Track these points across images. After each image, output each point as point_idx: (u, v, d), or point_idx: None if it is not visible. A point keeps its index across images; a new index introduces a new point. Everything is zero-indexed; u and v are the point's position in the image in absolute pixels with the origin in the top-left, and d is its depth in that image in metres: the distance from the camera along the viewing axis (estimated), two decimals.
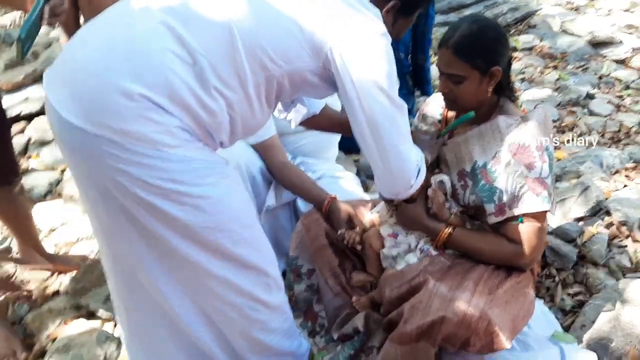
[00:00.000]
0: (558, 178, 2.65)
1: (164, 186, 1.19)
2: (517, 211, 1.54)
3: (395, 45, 2.65)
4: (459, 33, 1.54)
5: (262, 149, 1.99)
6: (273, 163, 1.99)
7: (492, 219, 1.57)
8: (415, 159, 1.43)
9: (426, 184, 1.70)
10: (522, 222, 1.55)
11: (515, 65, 3.62)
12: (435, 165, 1.74)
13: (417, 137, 1.63)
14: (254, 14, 1.23)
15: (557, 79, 3.64)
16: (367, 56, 1.27)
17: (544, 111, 1.61)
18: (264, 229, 2.03)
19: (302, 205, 2.08)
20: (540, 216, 1.55)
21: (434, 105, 1.84)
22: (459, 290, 1.47)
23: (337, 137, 2.31)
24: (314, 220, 1.91)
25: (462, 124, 1.68)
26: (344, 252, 1.86)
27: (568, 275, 2.11)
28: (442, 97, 1.70)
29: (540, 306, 1.89)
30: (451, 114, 1.78)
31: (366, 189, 2.52)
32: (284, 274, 1.84)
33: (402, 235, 1.74)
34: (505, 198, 1.54)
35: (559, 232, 2.26)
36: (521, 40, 4.12)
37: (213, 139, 1.28)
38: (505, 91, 1.66)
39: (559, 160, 2.80)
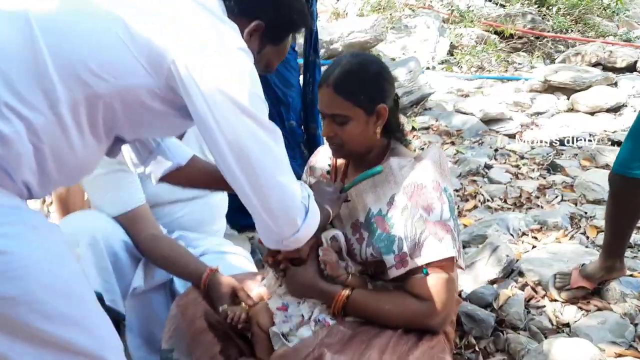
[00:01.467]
0: (466, 244, 2.52)
1: None
2: (419, 261, 1.32)
3: (287, 114, 2.54)
4: (339, 69, 1.39)
5: (127, 222, 1.67)
6: (141, 237, 1.67)
7: (394, 272, 1.35)
8: (299, 194, 1.18)
9: (317, 243, 1.47)
10: (427, 274, 1.33)
11: (415, 143, 3.63)
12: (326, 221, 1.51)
13: (318, 190, 1.41)
14: (66, 9, 0.98)
15: (455, 153, 3.67)
16: (222, 70, 1.05)
17: (439, 150, 1.47)
18: (129, 317, 1.69)
19: (181, 287, 1.75)
20: (446, 265, 1.34)
21: (322, 157, 1.66)
22: None
23: (223, 208, 2.04)
24: (191, 301, 1.59)
25: (352, 171, 1.50)
26: (227, 336, 1.53)
27: (488, 343, 1.90)
28: (328, 148, 1.53)
29: None
30: (340, 162, 1.60)
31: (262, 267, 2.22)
32: None
33: (293, 306, 1.45)
34: (405, 247, 1.33)
35: (474, 297, 2.07)
36: (418, 120, 4.20)
37: (12, 179, 0.96)
38: (395, 133, 1.51)
39: (465, 226, 2.69)
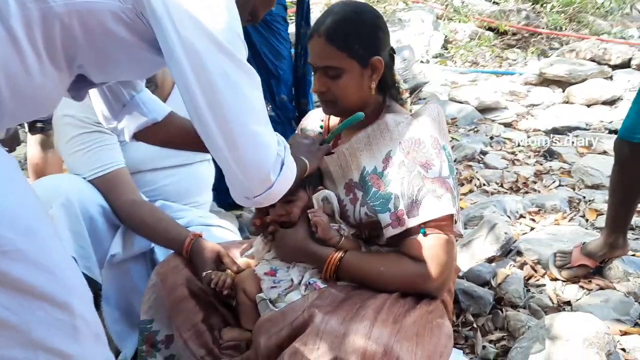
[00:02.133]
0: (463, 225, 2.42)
1: None
2: (417, 220, 1.23)
3: (277, 87, 2.45)
4: (331, 18, 1.30)
5: (105, 186, 1.56)
6: (120, 202, 1.56)
7: (390, 232, 1.25)
8: (275, 146, 1.07)
9: (308, 205, 1.37)
10: (424, 234, 1.24)
11: None
12: (317, 182, 1.42)
13: (295, 143, 1.31)
14: None
15: (451, 140, 3.59)
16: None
17: (437, 108, 1.38)
18: (106, 287, 1.59)
19: (162, 256, 1.64)
20: (445, 226, 1.25)
21: (314, 118, 1.57)
22: (355, 321, 1.10)
23: (210, 180, 1.93)
24: (172, 268, 1.48)
25: (346, 130, 1.40)
26: (210, 305, 1.44)
27: (486, 320, 1.80)
28: (319, 111, 1.44)
29: (460, 358, 1.55)
30: (333, 122, 1.50)
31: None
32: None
33: (282, 271, 1.36)
34: (402, 204, 1.24)
35: (471, 275, 1.99)
36: (413, 109, 4.11)
37: None
38: (390, 90, 1.42)
39: (462, 209, 2.60)
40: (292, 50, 2.44)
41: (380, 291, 1.24)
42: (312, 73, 2.41)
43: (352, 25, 1.29)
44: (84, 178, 1.56)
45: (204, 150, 1.09)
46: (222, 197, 2.40)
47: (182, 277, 1.45)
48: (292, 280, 1.33)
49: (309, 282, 1.29)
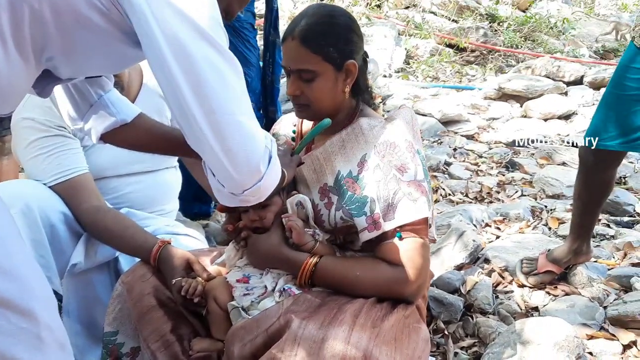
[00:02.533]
0: None
1: None
2: (393, 223, 1.22)
3: None
4: (305, 20, 1.28)
5: (66, 192, 1.49)
6: (83, 209, 1.49)
7: (366, 235, 1.24)
8: (262, 137, 1.03)
9: (282, 210, 1.35)
10: (400, 238, 1.23)
11: None
12: (291, 187, 1.39)
13: None
14: None
15: None
16: None
17: (410, 112, 1.38)
18: (67, 299, 1.51)
19: (128, 266, 1.57)
20: (420, 229, 1.24)
21: (286, 123, 1.54)
22: (334, 325, 1.08)
23: (176, 188, 1.87)
24: (138, 277, 1.42)
25: (319, 135, 1.38)
26: (179, 314, 1.38)
27: (457, 327, 1.81)
28: (292, 116, 1.42)
29: None
30: (306, 127, 1.49)
31: None
32: None
33: (255, 277, 1.32)
34: (378, 208, 1.23)
35: (440, 283, 2.00)
36: (385, 115, 4.15)
37: None
38: (363, 95, 1.41)
39: None
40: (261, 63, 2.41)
41: (356, 296, 1.22)
42: (280, 81, 2.43)
43: (327, 28, 1.28)
44: (45, 184, 1.49)
45: (175, 153, 1.06)
46: (188, 206, 2.35)
47: (149, 286, 1.40)
48: (265, 287, 1.29)
49: (284, 289, 1.26)
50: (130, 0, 0.89)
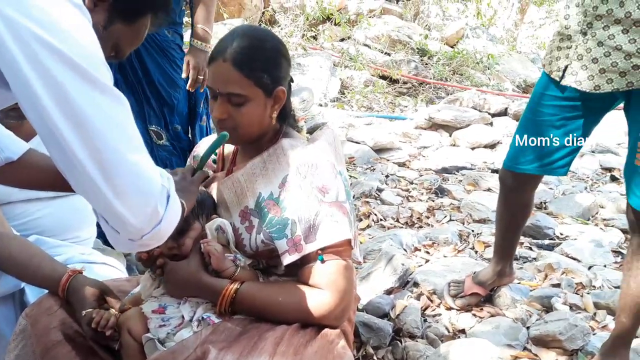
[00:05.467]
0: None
1: None
2: (315, 245, 1.20)
3: (171, 117, 2.34)
4: (238, 42, 1.23)
5: None
6: None
7: (287, 259, 1.20)
8: (158, 176, 0.95)
9: (200, 235, 1.29)
10: (322, 260, 1.20)
11: None
12: (211, 211, 1.35)
13: None
14: None
15: (350, 177, 3.65)
16: (48, 20, 0.82)
17: (332, 132, 1.38)
18: None
19: (34, 297, 1.45)
20: (343, 251, 1.23)
21: (206, 145, 1.49)
22: (253, 355, 1.03)
23: (93, 214, 1.77)
24: (43, 310, 1.32)
25: (242, 155, 1.36)
26: (89, 349, 1.29)
27: (386, 352, 1.79)
28: (214, 136, 1.38)
29: None
30: (228, 150, 1.45)
31: None
32: None
33: (172, 307, 1.25)
34: (299, 229, 1.20)
35: (370, 308, 1.99)
36: (309, 137, 4.16)
37: None
38: (288, 119, 1.40)
39: (361, 243, 2.62)
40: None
41: (280, 323, 1.18)
42: (204, 101, 2.37)
43: (260, 53, 1.25)
44: None
45: (70, 190, 0.97)
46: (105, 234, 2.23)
47: (55, 320, 1.29)
48: (182, 317, 1.23)
49: (202, 317, 1.20)
50: None
